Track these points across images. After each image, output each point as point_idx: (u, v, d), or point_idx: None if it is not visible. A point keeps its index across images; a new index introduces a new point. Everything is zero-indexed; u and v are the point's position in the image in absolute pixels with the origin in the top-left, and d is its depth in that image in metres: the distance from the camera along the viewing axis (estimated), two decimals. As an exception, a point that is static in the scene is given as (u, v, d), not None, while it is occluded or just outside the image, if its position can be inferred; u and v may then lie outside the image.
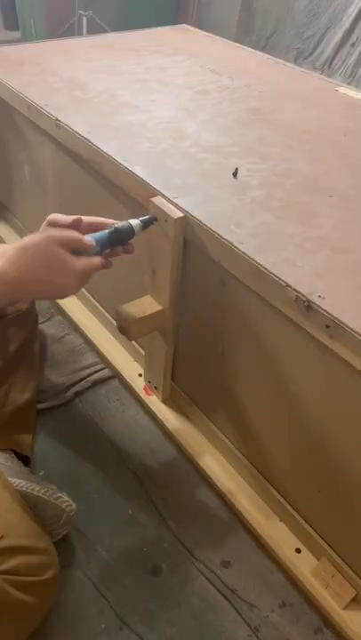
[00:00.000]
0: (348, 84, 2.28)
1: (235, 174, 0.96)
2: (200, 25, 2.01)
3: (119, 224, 0.79)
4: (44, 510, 0.87)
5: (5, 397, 1.03)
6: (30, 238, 0.69)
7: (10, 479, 0.86)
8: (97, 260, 0.74)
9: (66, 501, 0.90)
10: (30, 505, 0.85)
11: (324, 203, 0.91)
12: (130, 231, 0.80)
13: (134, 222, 0.81)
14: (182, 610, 0.89)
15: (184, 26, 1.81)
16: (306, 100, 1.30)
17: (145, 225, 0.84)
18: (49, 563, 0.77)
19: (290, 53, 2.90)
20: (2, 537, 0.73)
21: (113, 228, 0.78)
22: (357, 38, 2.63)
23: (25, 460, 1.01)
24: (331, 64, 2.77)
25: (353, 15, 2.59)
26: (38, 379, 1.17)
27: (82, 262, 0.71)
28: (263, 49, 2.91)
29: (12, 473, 0.90)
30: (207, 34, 1.73)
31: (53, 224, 0.74)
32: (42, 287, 0.71)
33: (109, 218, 0.80)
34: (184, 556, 0.95)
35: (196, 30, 1.77)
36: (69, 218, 0.74)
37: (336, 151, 1.08)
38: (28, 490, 0.87)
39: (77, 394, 1.20)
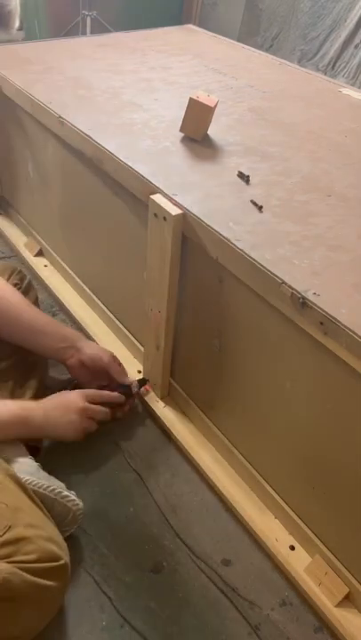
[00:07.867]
0: (352, 85, 2.28)
1: (245, 180, 0.95)
2: (204, 25, 2.01)
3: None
4: (50, 508, 0.86)
5: (12, 394, 1.03)
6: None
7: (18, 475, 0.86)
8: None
9: (72, 500, 0.89)
10: None
11: (323, 202, 0.91)
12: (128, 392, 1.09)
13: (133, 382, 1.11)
14: (183, 608, 0.89)
15: (189, 26, 1.82)
16: (309, 100, 1.31)
17: (140, 384, 1.12)
18: (58, 551, 0.77)
19: (294, 54, 2.90)
20: (9, 527, 0.73)
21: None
22: (361, 40, 2.63)
23: (33, 450, 1.01)
24: (334, 65, 2.77)
25: (357, 17, 2.58)
26: (43, 375, 1.17)
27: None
28: (268, 50, 2.91)
29: (20, 469, 0.89)
30: (212, 34, 1.74)
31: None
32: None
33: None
34: (185, 553, 0.95)
35: (201, 30, 1.78)
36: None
37: (337, 151, 1.08)
38: (35, 487, 0.87)
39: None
